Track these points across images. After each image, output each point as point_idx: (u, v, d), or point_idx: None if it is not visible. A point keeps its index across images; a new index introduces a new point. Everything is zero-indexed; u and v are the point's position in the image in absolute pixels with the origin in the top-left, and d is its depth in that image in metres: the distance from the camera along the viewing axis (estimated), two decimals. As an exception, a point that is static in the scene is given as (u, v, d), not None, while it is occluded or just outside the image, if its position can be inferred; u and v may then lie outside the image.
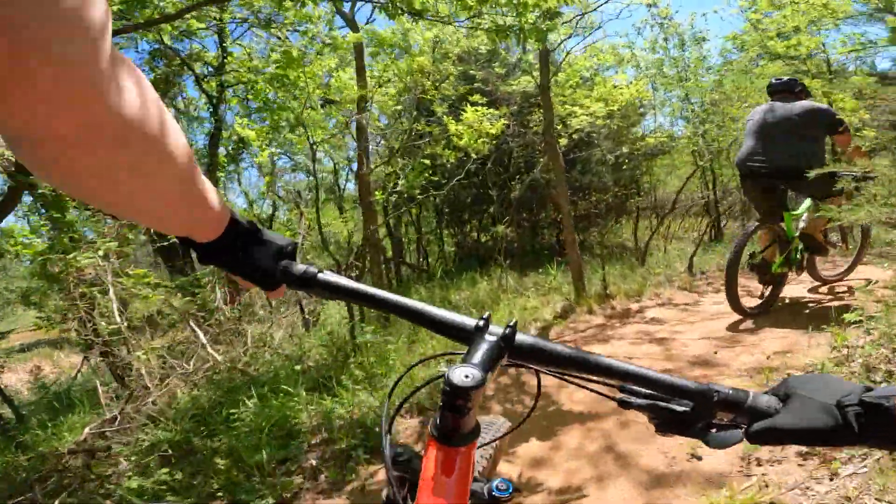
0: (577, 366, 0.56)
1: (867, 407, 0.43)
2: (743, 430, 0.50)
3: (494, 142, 5.48)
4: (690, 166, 6.81)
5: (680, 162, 7.85)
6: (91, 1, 0.30)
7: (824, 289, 3.87)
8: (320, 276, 0.63)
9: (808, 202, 3.40)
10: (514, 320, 0.59)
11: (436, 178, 5.86)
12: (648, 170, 8.31)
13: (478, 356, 0.53)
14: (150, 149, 0.41)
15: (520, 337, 0.56)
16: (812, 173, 2.79)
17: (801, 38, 5.60)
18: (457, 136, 4.98)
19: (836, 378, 0.49)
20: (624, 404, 0.53)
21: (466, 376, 0.49)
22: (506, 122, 5.45)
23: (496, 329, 0.56)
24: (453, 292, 5.41)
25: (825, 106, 3.33)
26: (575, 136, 6.20)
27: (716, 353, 2.96)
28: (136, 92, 0.37)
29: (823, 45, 6.03)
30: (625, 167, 7.27)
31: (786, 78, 3.37)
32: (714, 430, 0.51)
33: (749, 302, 3.45)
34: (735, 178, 5.63)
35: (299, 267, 0.64)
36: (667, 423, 0.52)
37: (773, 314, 3.39)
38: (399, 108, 6.45)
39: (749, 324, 3.31)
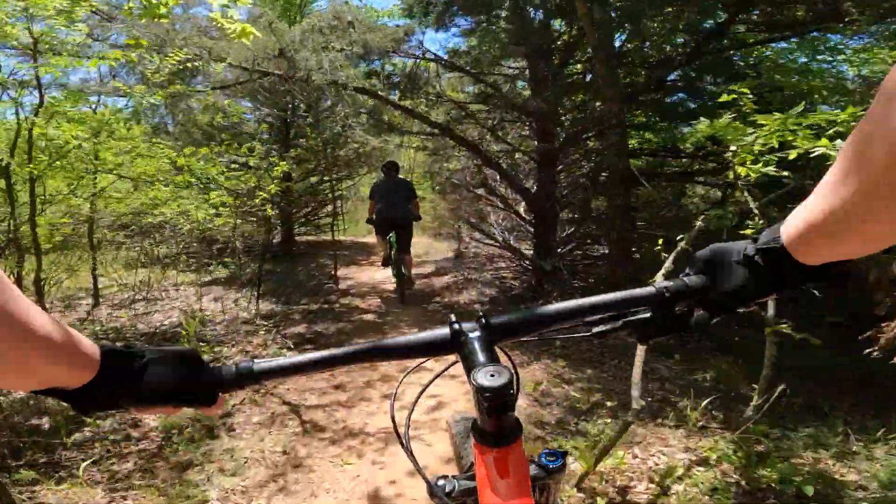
0: (547, 322, 0.59)
1: (765, 252, 0.50)
2: (706, 311, 0.56)
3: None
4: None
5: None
6: None
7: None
8: (257, 366, 0.57)
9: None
10: (482, 311, 0.60)
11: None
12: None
13: (483, 355, 0.54)
14: None
15: (494, 321, 0.58)
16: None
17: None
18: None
19: (728, 243, 0.55)
20: (601, 336, 0.59)
21: (493, 375, 0.49)
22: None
23: (471, 325, 0.58)
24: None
25: (409, 181, 5.80)
26: None
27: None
28: None
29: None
30: None
31: (394, 161, 5.97)
32: (681, 322, 0.57)
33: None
34: None
35: (228, 368, 0.56)
36: (644, 334, 0.58)
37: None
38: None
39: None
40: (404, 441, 0.61)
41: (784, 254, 0.48)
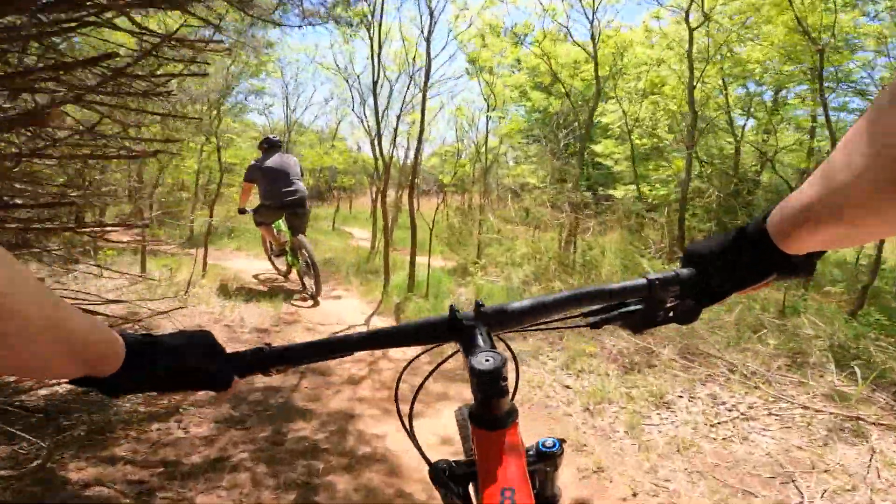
0: (544, 312, 0.61)
1: (748, 241, 0.53)
2: (693, 301, 0.59)
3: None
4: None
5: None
6: None
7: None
8: (268, 352, 0.60)
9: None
10: (478, 299, 0.63)
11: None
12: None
13: (480, 340, 0.56)
14: None
15: (492, 309, 0.60)
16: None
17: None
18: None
19: (717, 235, 0.59)
20: (595, 326, 0.61)
21: (488, 360, 0.51)
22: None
23: (468, 314, 0.60)
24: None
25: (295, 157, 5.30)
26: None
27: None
28: None
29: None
30: None
31: (276, 137, 5.08)
32: (671, 313, 0.60)
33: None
34: None
35: (244, 353, 0.60)
36: (637, 324, 0.61)
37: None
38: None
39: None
40: (406, 425, 0.63)
41: (768, 242, 0.51)
